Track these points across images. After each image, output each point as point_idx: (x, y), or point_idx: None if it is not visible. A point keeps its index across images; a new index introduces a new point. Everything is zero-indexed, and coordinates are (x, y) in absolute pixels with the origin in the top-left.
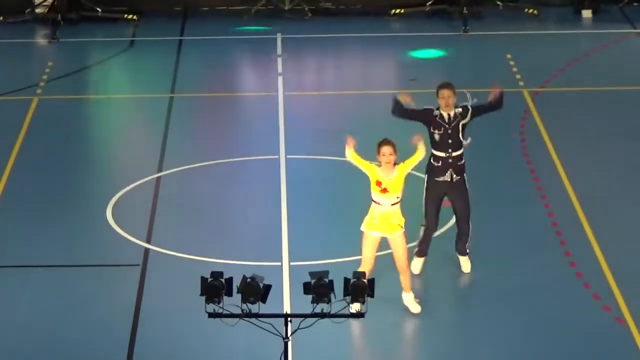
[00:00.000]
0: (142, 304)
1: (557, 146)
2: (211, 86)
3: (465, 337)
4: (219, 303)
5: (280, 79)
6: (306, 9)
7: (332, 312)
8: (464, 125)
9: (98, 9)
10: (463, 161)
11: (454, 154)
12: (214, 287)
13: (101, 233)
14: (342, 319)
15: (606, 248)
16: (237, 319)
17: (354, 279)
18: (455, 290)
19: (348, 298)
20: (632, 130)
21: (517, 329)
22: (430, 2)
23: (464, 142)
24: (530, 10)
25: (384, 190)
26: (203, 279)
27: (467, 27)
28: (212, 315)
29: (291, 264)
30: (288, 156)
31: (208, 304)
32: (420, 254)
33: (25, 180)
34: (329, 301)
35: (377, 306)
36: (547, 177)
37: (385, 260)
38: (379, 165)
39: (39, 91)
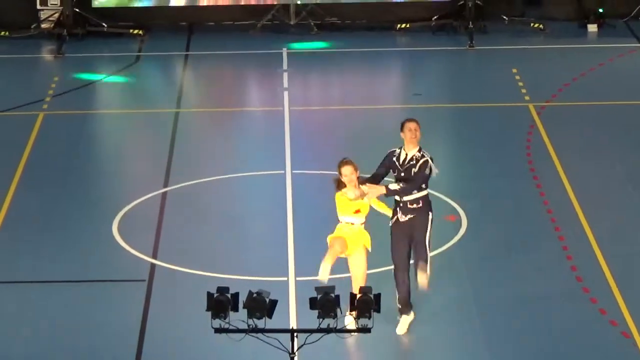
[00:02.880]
0: (148, 319)
1: (563, 160)
2: (217, 101)
3: (469, 350)
4: (225, 318)
5: (285, 93)
6: (312, 24)
7: (338, 327)
8: (415, 173)
9: (104, 24)
10: (419, 205)
11: (405, 198)
12: (220, 303)
13: (107, 248)
14: (348, 334)
15: (613, 262)
16: (244, 334)
17: (361, 294)
18: (457, 303)
19: (354, 313)
20: (638, 144)
21: (521, 343)
22: (435, 17)
23: (434, 173)
24: (536, 25)
25: (358, 211)
26: (209, 295)
27: (473, 42)
28: (218, 330)
29: (297, 279)
30: (294, 171)
31: (214, 319)
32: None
33: (30, 195)
34: (335, 316)
35: (383, 321)
36: (553, 190)
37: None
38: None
39: (44, 106)
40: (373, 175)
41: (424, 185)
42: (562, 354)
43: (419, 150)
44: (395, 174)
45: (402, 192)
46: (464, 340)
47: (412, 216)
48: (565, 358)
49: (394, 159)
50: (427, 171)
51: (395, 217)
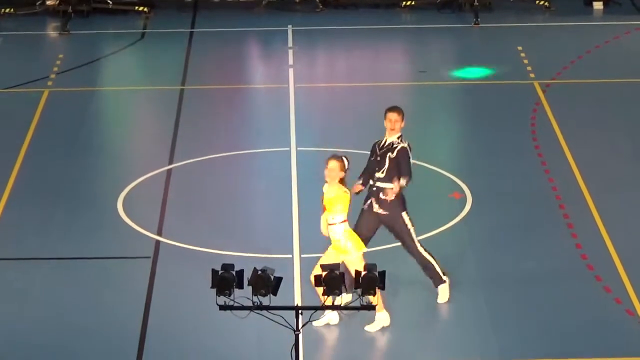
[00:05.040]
0: (153, 296)
1: (568, 138)
2: (222, 78)
3: (473, 327)
4: (229, 295)
5: (291, 71)
6: (317, 1)
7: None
8: (390, 159)
9: (109, 1)
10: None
11: (378, 184)
12: (225, 280)
13: (112, 225)
14: (353, 311)
15: (618, 240)
16: (248, 311)
17: (365, 271)
18: (461, 281)
19: (359, 290)
20: None
21: (525, 320)
22: None
23: (398, 182)
24: (541, 2)
25: (323, 208)
26: (214, 272)
27: (478, 19)
28: (223, 307)
29: (302, 256)
30: (299, 148)
31: (219, 296)
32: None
33: (35, 173)
34: (339, 293)
35: (388, 299)
36: (558, 168)
37: (392, 252)
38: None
39: (49, 83)
40: (365, 169)
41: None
42: (566, 332)
43: (399, 137)
44: (372, 158)
45: (407, 184)
46: (468, 318)
47: (382, 211)
48: (570, 336)
49: (376, 146)
50: (408, 158)
51: (367, 202)
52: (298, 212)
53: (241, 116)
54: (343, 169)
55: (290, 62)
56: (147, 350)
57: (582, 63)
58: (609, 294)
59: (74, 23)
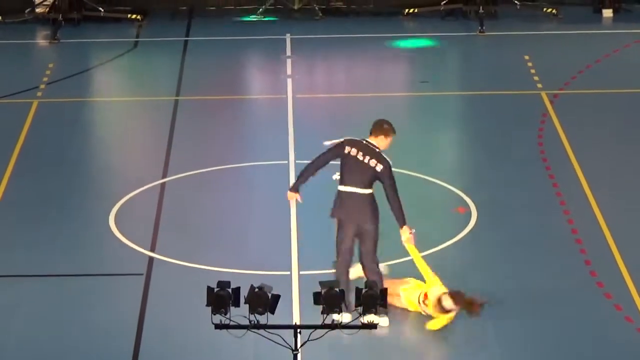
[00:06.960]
0: (146, 314)
1: (577, 151)
2: (218, 89)
3: (478, 343)
4: (225, 314)
5: (289, 81)
6: (316, 8)
7: (343, 322)
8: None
9: (100, 8)
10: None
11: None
12: (221, 298)
13: (103, 241)
14: (354, 330)
15: (627, 256)
16: (245, 330)
17: (366, 289)
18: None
19: (360, 309)
20: None
21: (533, 339)
22: (444, 2)
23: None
24: (549, 10)
25: None
26: (209, 289)
27: (483, 27)
28: (218, 326)
29: (301, 273)
30: (297, 161)
31: (214, 314)
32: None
33: (24, 186)
34: (340, 312)
35: (389, 317)
36: (566, 182)
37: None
38: None
39: (39, 94)
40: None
41: None
42: (574, 350)
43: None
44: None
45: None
46: (472, 334)
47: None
48: (578, 354)
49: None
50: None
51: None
52: (297, 228)
53: (238, 128)
54: None
55: (289, 71)
56: None
57: (591, 73)
58: (618, 311)
59: (65, 31)
